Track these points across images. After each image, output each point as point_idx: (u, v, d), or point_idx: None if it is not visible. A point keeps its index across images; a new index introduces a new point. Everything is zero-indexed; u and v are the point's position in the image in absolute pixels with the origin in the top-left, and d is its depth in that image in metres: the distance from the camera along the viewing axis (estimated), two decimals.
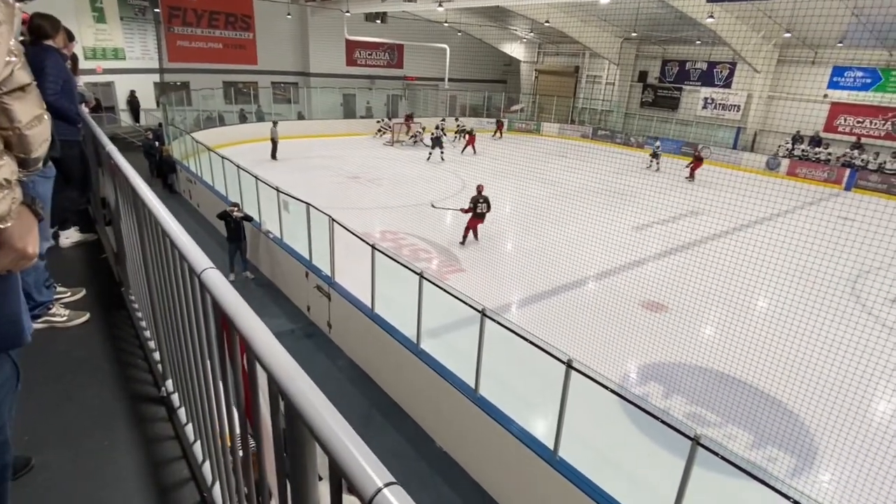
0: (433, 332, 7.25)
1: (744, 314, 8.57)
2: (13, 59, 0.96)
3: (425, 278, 5.52)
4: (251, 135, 22.48)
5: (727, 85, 24.73)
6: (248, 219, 9.14)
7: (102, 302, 2.98)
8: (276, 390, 0.83)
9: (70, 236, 3.81)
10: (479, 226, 11.19)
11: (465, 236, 11.19)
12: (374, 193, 15.24)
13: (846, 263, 10.79)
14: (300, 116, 25.77)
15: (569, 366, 3.96)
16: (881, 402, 6.73)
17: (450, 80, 29.03)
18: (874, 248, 11.17)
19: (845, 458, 5.54)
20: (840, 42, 20.32)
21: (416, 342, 5.85)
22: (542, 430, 4.90)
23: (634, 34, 25.94)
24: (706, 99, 25.57)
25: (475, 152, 22.25)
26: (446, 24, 27.68)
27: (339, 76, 28.11)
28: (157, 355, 2.34)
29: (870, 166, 20.22)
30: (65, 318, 2.66)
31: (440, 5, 17.82)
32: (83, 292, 3.01)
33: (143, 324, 2.65)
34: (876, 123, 20.90)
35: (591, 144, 26.43)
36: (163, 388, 2.20)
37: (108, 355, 2.47)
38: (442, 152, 20.33)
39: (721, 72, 24.88)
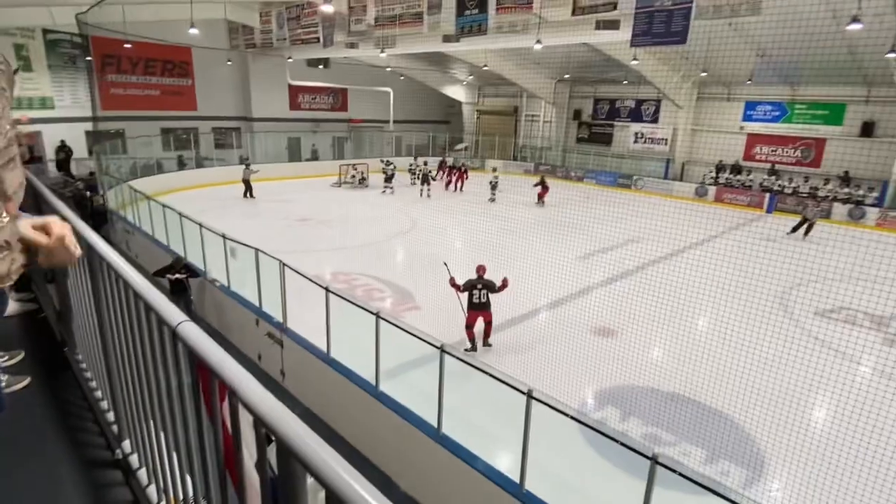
0: (392, 372, 7.17)
1: (687, 334, 9.00)
2: (9, 128, 0.97)
3: (382, 318, 5.51)
4: (192, 181, 21.93)
5: (654, 120, 26.56)
6: (193, 275, 8.84)
7: (44, 364, 2.81)
8: (266, 433, 0.86)
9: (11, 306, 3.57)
10: (485, 318, 8.21)
11: (469, 338, 8.13)
12: (325, 235, 15.11)
13: (774, 281, 11.63)
14: (243, 161, 25.39)
15: (529, 396, 4.04)
16: (817, 408, 7.18)
17: (395, 121, 29.64)
18: (797, 265, 12.11)
19: (790, 465, 5.85)
20: (749, 80, 22.43)
21: (374, 384, 5.78)
22: (507, 463, 4.91)
23: (567, 76, 27.61)
24: (636, 134, 27.30)
25: (461, 190, 22.98)
26: (389, 69, 28.43)
27: (283, 120, 28.07)
28: (110, 416, 2.23)
29: (786, 190, 22.07)
30: (2, 384, 2.49)
31: (382, 52, 18.35)
32: (22, 355, 2.83)
33: (93, 384, 2.52)
34: (787, 151, 22.97)
35: (533, 179, 27.41)
36: (118, 451, 2.09)
37: (55, 420, 2.33)
38: (428, 189, 21.20)
39: (648, 109, 26.73)
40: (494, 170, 22.40)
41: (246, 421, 0.95)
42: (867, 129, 20.55)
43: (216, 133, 25.71)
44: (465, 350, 7.88)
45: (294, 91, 28.20)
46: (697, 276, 11.48)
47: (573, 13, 11.32)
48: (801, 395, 7.01)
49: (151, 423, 1.61)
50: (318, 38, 18.38)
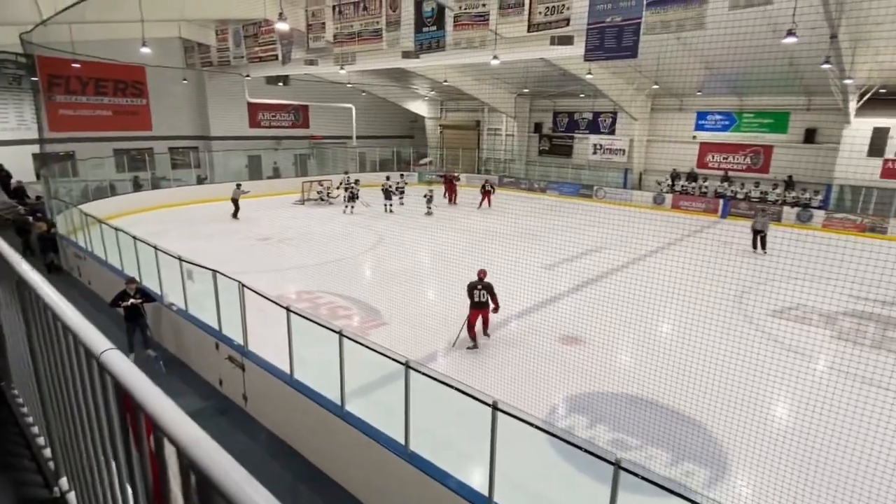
0: (359, 391, 7.04)
1: (650, 339, 9.19)
2: None
3: (345, 336, 5.42)
4: (148, 202, 21.26)
5: (611, 132, 27.35)
6: (148, 299, 8.50)
7: None
8: (187, 463, 0.82)
9: None
10: (484, 316, 9.03)
11: (471, 336, 8.81)
12: (287, 254, 14.84)
13: (731, 283, 12.04)
14: (201, 181, 24.85)
15: (494, 408, 4.03)
16: (775, 405, 7.42)
17: (358, 137, 29.57)
18: (752, 267, 12.59)
19: (751, 462, 6.00)
20: (699, 91, 23.41)
21: (340, 405, 5.66)
22: (477, 477, 4.87)
23: (526, 90, 28.20)
24: (595, 145, 28.03)
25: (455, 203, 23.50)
26: (350, 85, 28.42)
27: (243, 138, 27.63)
28: (47, 452, 2.10)
29: (738, 196, 23.00)
30: None
31: (341, 68, 18.34)
32: None
33: (30, 419, 2.37)
34: (738, 158, 23.99)
35: (498, 192, 27.71)
36: (56, 488, 1.97)
37: None
38: (400, 203, 21.38)
39: (605, 120, 27.52)
40: (430, 183, 22.73)
41: (173, 456, 0.90)
42: (810, 136, 21.70)
43: (173, 153, 25.05)
44: (468, 348, 8.76)
45: (253, 108, 27.84)
46: (658, 281, 11.79)
47: (528, 29, 11.58)
48: (759, 393, 7.24)
49: (86, 458, 1.52)
50: (276, 56, 18.22)
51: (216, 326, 7.63)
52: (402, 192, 21.77)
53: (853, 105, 19.09)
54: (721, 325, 9.41)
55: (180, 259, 8.20)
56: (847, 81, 16.85)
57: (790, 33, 10.72)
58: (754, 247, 16.36)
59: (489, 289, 8.74)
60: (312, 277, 12.60)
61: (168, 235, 16.18)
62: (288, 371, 6.32)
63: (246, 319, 6.96)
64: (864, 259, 12.18)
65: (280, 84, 28.51)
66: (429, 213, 20.75)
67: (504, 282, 10.90)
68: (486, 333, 9.14)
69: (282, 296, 10.60)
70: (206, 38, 21.49)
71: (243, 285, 6.77)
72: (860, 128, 19.72)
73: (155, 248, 8.90)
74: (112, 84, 23.55)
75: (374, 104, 32.19)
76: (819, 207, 20.81)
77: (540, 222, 19.41)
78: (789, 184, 22.06)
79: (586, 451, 3.46)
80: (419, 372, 4.74)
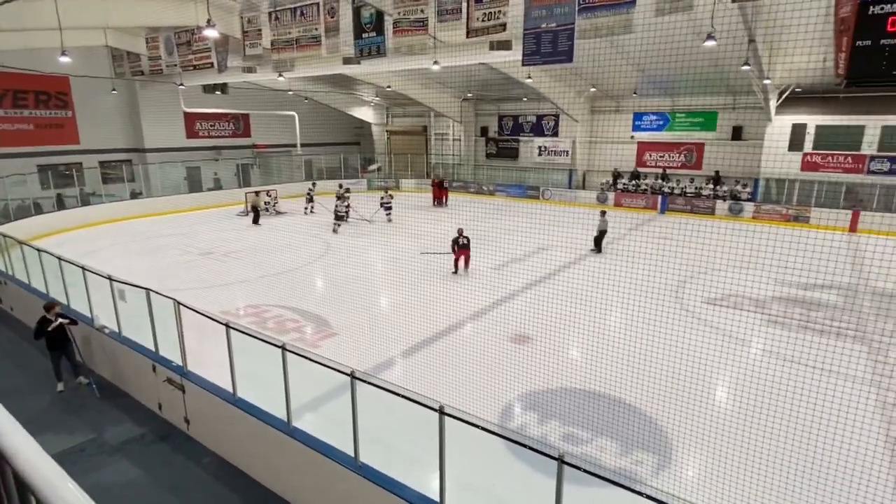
0: (308, 405, 6.88)
1: (596, 333, 9.45)
2: None
3: (289, 350, 5.26)
4: (77, 220, 20.03)
5: (555, 134, 28.06)
6: (72, 322, 7.97)
7: None
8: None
9: None
10: (465, 258, 13.34)
11: (455, 265, 13.38)
12: (231, 268, 14.32)
13: (669, 275, 12.57)
14: (135, 195, 23.65)
15: (441, 412, 4.01)
16: (715, 389, 7.78)
17: (303, 145, 28.97)
18: (688, 259, 13.19)
19: (694, 446, 6.27)
20: (634, 93, 24.41)
21: (287, 421, 5.48)
22: (431, 484, 4.83)
23: (471, 95, 28.52)
24: (540, 147, 28.67)
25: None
26: (291, 93, 27.84)
27: (180, 149, 26.49)
28: None
29: (675, 192, 24.10)
30: None
31: (280, 75, 17.94)
32: None
33: None
34: (673, 156, 25.15)
35: (451, 196, 27.85)
36: None
37: None
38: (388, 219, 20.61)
39: (548, 123, 28.21)
40: (386, 190, 22.26)
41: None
42: (737, 133, 23.05)
43: (104, 167, 23.72)
44: (452, 273, 13.30)
45: (190, 118, 26.77)
46: (602, 277, 12.16)
47: (467, 35, 11.71)
48: (699, 379, 7.58)
49: None
50: (211, 64, 17.59)
51: (153, 348, 7.25)
52: (390, 208, 20.72)
53: (773, 103, 20.43)
54: (661, 316, 9.79)
55: (110, 279, 7.75)
56: (766, 82, 18.01)
57: (710, 37, 11.35)
58: (595, 249, 16.16)
59: (468, 238, 13.24)
60: (259, 291, 12.22)
61: (100, 254, 15.29)
62: (231, 390, 6.08)
63: (184, 339, 6.64)
64: (789, 247, 13.04)
65: (218, 92, 27.55)
66: (389, 220, 20.56)
67: (455, 286, 10.95)
68: (466, 268, 13.43)
69: (227, 311, 10.24)
70: (136, 47, 20.47)
71: (179, 303, 6.47)
72: (781, 124, 21.13)
73: (83, 268, 8.36)
74: (32, 95, 22.06)
75: (318, 111, 31.66)
76: (748, 200, 22.10)
77: (489, 224, 19.65)
78: (717, 179, 23.33)
79: (531, 448, 3.50)
80: (365, 382, 4.66)
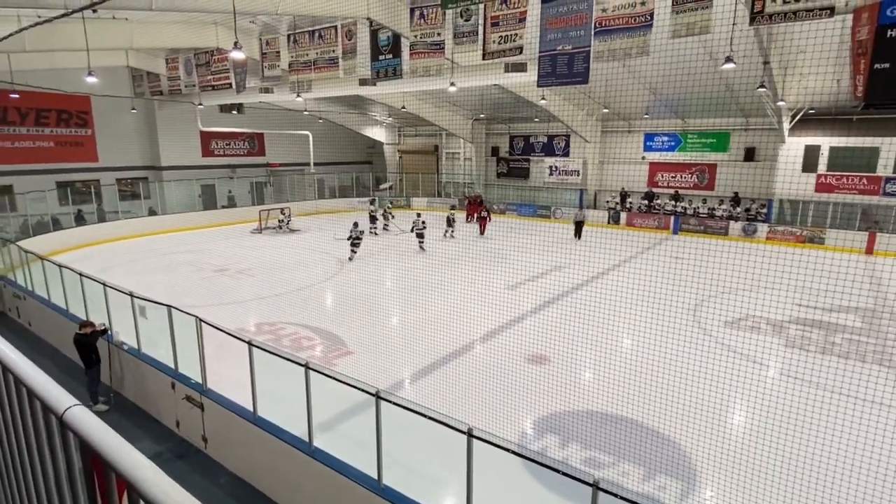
0: (327, 424, 6.83)
1: (614, 354, 9.35)
2: None
3: (311, 369, 5.26)
4: (95, 237, 20.31)
5: (566, 154, 28.18)
6: (98, 333, 8.00)
7: None
8: None
9: None
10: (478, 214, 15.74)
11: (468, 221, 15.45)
12: (246, 285, 14.40)
13: (686, 296, 12.47)
14: (152, 212, 23.99)
15: (470, 435, 3.97)
16: (737, 413, 7.65)
17: (316, 164, 29.33)
18: (704, 280, 13.08)
19: (718, 471, 6.13)
20: (646, 114, 24.52)
21: (308, 441, 5.45)
22: None
23: (482, 115, 28.81)
24: (551, 167, 28.78)
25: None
26: (306, 113, 28.29)
27: (196, 167, 26.90)
28: None
29: (688, 212, 24.03)
30: None
31: (297, 96, 18.25)
32: None
33: None
34: (685, 177, 25.12)
35: (459, 214, 27.96)
36: None
37: None
38: (423, 242, 18.91)
39: (559, 143, 28.35)
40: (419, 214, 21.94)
41: None
42: (749, 154, 23.01)
43: (121, 184, 24.11)
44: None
45: (206, 137, 27.22)
46: (618, 297, 12.08)
47: (483, 57, 11.88)
48: (720, 402, 7.45)
49: None
50: (230, 84, 17.95)
51: (171, 365, 7.27)
52: (422, 236, 18.96)
53: (787, 125, 20.42)
54: (679, 338, 9.68)
55: (132, 295, 7.82)
56: (780, 103, 18.03)
57: (729, 60, 11.41)
58: (576, 236, 21.42)
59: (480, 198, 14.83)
60: (273, 308, 12.25)
61: (117, 270, 15.45)
62: (251, 408, 6.06)
63: (204, 356, 6.66)
64: (806, 269, 12.91)
65: (234, 112, 28.07)
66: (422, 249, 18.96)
67: (470, 304, 10.91)
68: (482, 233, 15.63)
69: (242, 328, 10.27)
70: (156, 67, 20.98)
71: (201, 320, 6.50)
72: (794, 146, 21.08)
73: (104, 284, 8.45)
74: (55, 114, 22.58)
75: (332, 131, 32.11)
76: (763, 221, 21.96)
77: (501, 244, 19.66)
78: (736, 200, 23.24)
79: (564, 473, 3.45)
80: (390, 402, 4.64)
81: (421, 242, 18.82)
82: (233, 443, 6.46)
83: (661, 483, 5.94)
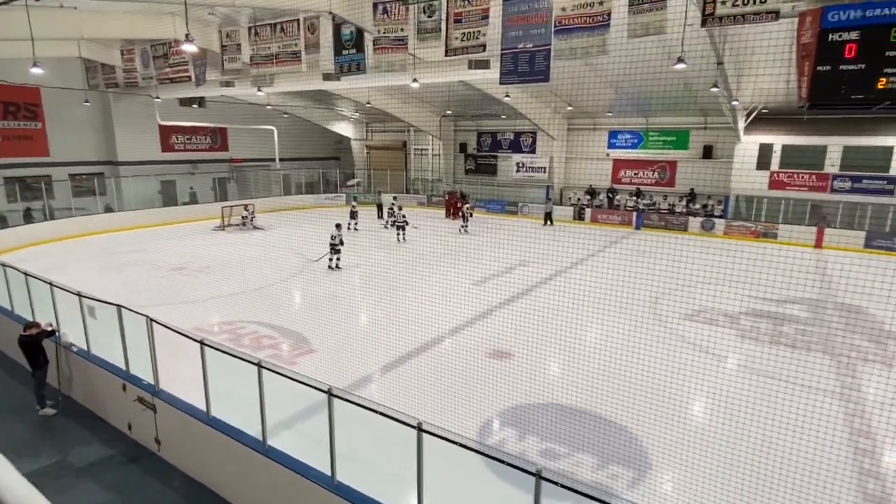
0: (285, 423, 6.75)
1: (576, 347, 9.53)
2: None
3: (264, 367, 5.19)
4: (47, 234, 19.47)
5: (532, 151, 28.49)
6: (45, 333, 7.69)
7: None
8: None
9: None
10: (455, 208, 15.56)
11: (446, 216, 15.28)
12: (205, 283, 14.06)
13: (646, 290, 12.79)
14: (108, 209, 23.14)
15: (419, 429, 4.00)
16: (691, 403, 7.90)
17: (281, 159, 28.82)
18: (664, 275, 13.44)
19: (671, 460, 6.34)
20: (609, 112, 24.99)
21: (262, 440, 5.38)
22: (412, 502, 4.78)
23: (450, 112, 28.82)
24: (518, 164, 29.06)
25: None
26: (269, 107, 27.75)
27: (155, 163, 26.07)
28: None
29: (650, 208, 24.64)
30: None
31: (259, 90, 17.89)
32: None
33: None
34: (647, 173, 25.74)
35: (427, 210, 27.96)
36: None
37: None
38: (403, 234, 19.87)
39: (526, 140, 28.64)
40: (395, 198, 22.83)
41: None
42: (707, 152, 23.73)
43: (74, 180, 23.17)
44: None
45: (166, 131, 26.42)
46: (581, 292, 12.31)
47: (446, 54, 11.88)
48: (676, 393, 7.69)
49: None
50: (189, 77, 17.46)
51: (123, 366, 7.05)
52: (403, 228, 19.85)
53: (741, 124, 21.13)
54: (640, 332, 9.95)
55: (80, 295, 7.54)
56: (734, 103, 18.65)
57: (680, 60, 11.74)
58: (545, 223, 23.85)
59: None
60: (234, 307, 12.01)
61: (69, 269, 14.87)
62: (204, 409, 5.94)
63: (156, 356, 6.49)
64: (759, 263, 13.42)
65: (195, 106, 27.30)
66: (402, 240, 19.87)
67: (436, 301, 10.94)
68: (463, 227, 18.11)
69: (199, 328, 10.03)
70: (111, 59, 20.19)
71: (152, 320, 6.32)
72: (749, 144, 21.85)
73: (50, 283, 8.12)
74: (1, 106, 21.51)
75: (298, 126, 31.60)
76: (720, 216, 22.71)
77: (469, 239, 19.76)
78: (692, 196, 23.95)
79: (508, 463, 3.51)
80: (343, 399, 4.62)
81: (399, 234, 19.72)
82: (187, 444, 6.32)
83: (613, 472, 6.09)
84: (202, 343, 5.73)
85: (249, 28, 15.29)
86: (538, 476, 3.29)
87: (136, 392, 6.71)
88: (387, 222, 22.73)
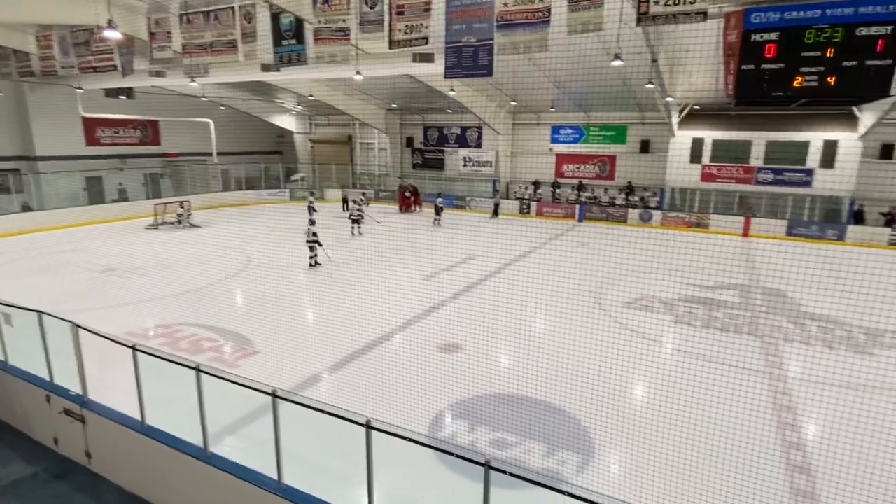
0: (230, 428, 6.53)
1: (523, 338, 9.72)
2: None
3: (202, 372, 4.96)
4: None
5: (479, 145, 28.73)
6: None
7: None
8: None
9: None
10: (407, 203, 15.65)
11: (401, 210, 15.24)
12: (139, 285, 13.30)
13: (589, 280, 13.21)
14: (26, 208, 21.40)
15: (368, 427, 3.95)
16: (632, 386, 8.24)
17: (219, 153, 27.60)
18: (606, 265, 13.91)
19: (615, 442, 6.59)
20: (552, 107, 25.56)
21: (203, 447, 5.15)
22: (363, 501, 4.71)
23: (395, 105, 28.58)
24: (465, 158, 29.24)
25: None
26: (205, 99, 26.49)
27: (79, 157, 24.33)
28: None
29: (592, 201, 25.46)
30: None
31: (192, 81, 17.03)
32: None
33: None
34: (588, 167, 26.56)
35: (376, 206, 27.63)
36: None
37: None
38: (359, 227, 20.02)
39: (472, 134, 28.84)
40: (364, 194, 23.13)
41: None
42: (645, 146, 24.76)
43: None
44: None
45: (90, 124, 24.70)
46: (528, 284, 12.56)
47: (390, 46, 11.73)
48: (618, 378, 8.00)
49: None
50: (115, 66, 16.36)
51: (46, 376, 6.55)
52: (358, 222, 20.10)
53: (675, 119, 22.18)
54: (584, 320, 10.26)
55: None
56: (669, 99, 19.53)
57: (617, 57, 12.16)
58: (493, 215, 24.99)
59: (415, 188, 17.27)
60: (171, 309, 11.43)
61: None
62: (139, 418, 5.61)
63: (83, 365, 6.07)
64: (693, 251, 14.16)
65: (122, 97, 25.60)
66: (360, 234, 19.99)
67: (385, 297, 10.84)
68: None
69: (133, 333, 9.47)
70: (25, 45, 18.56)
71: (77, 325, 5.90)
72: (682, 139, 22.97)
73: None
74: None
75: (237, 119, 30.36)
76: (657, 208, 23.78)
77: (418, 235, 19.71)
78: (630, 189, 24.96)
79: (458, 455, 3.53)
80: (288, 400, 4.49)
81: (354, 228, 19.81)
82: (120, 455, 5.96)
83: (561, 458, 6.27)
84: (134, 349, 5.40)
85: (181, 15, 14.50)
86: (487, 466, 3.33)
87: (62, 404, 6.25)
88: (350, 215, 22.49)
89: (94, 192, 24.48)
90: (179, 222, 21.40)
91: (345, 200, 25.31)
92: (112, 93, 24.53)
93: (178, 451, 5.30)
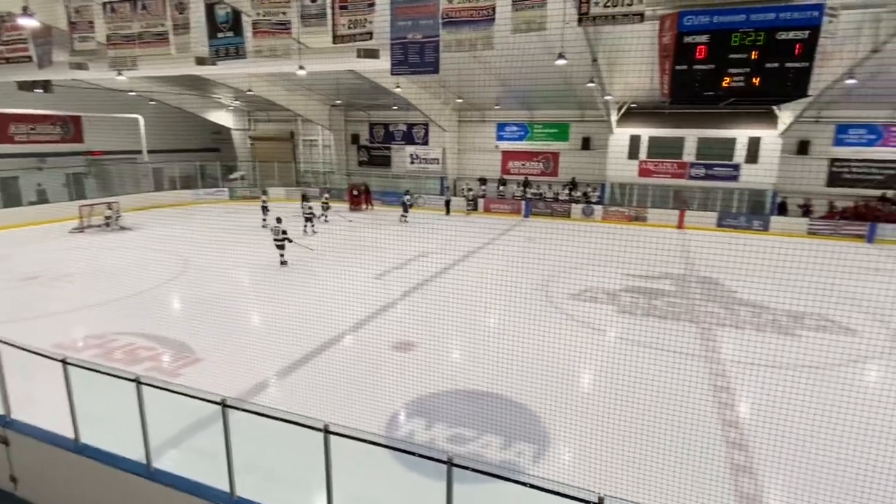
0: (174, 440, 6.21)
1: (475, 333, 9.81)
2: None
3: (143, 384, 4.66)
4: None
5: (425, 142, 28.70)
6: None
7: None
8: None
9: None
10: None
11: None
12: (66, 293, 12.37)
13: (537, 274, 13.49)
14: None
15: (326, 431, 3.84)
16: (581, 375, 8.49)
17: (150, 151, 26.10)
18: (552, 259, 14.26)
19: (567, 431, 6.77)
20: (497, 105, 25.90)
21: (146, 463, 4.84)
22: None
23: (339, 101, 28.04)
24: (412, 155, 29.13)
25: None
26: (133, 94, 24.96)
27: None
28: None
29: (537, 197, 26.04)
30: None
31: (119, 74, 15.96)
32: None
33: None
34: (533, 164, 27.13)
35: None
36: None
37: None
38: (312, 226, 19.75)
39: (418, 132, 28.76)
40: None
41: None
42: (586, 143, 25.57)
43: None
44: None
45: (2, 120, 22.68)
46: (478, 279, 12.68)
47: (334, 41, 11.45)
48: (567, 368, 8.22)
49: None
50: (29, 57, 15.06)
51: None
52: (309, 220, 19.74)
53: (614, 117, 23.04)
54: (533, 313, 10.48)
55: None
56: (608, 97, 20.25)
57: (561, 56, 12.47)
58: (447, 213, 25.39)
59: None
60: (102, 318, 10.70)
61: None
62: (72, 436, 5.21)
63: (5, 382, 5.56)
64: (633, 244, 14.77)
65: (39, 91, 23.64)
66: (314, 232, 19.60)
67: (335, 297, 10.62)
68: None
69: (61, 345, 8.80)
70: None
71: None
72: (621, 136, 23.90)
73: None
74: None
75: (168, 114, 28.77)
76: (598, 203, 24.65)
77: (367, 233, 19.45)
78: (573, 185, 25.73)
79: (419, 455, 3.51)
80: (238, 409, 4.30)
81: (306, 226, 19.48)
82: (51, 479, 5.52)
83: (518, 449, 6.37)
84: (64, 362, 5.00)
85: (104, 4, 13.54)
86: (450, 463, 3.32)
87: None
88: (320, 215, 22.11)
89: (9, 194, 22.48)
90: (108, 224, 20.07)
91: (304, 198, 23.89)
92: (27, 86, 22.58)
93: (118, 469, 4.97)
